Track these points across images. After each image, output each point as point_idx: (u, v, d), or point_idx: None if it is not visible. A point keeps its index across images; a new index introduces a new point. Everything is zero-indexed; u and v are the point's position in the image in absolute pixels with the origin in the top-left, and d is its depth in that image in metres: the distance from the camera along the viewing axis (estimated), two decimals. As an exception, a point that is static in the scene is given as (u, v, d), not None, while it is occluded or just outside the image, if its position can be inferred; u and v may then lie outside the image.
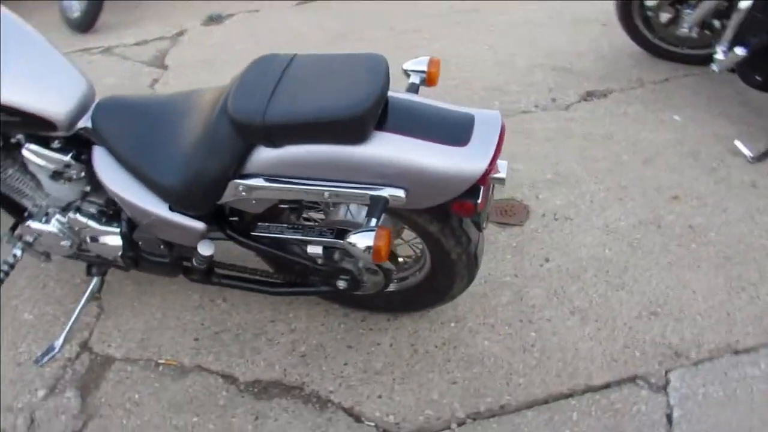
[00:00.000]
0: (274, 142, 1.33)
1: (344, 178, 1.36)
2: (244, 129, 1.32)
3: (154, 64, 3.26)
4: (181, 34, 3.54)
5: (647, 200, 2.22)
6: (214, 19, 3.66)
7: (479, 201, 1.36)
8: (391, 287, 1.77)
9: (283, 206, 1.61)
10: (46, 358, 1.79)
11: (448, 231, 1.51)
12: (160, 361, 1.84)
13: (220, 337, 1.88)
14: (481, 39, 3.21)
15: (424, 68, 1.60)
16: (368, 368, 1.77)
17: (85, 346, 1.89)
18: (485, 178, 1.33)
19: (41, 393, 1.78)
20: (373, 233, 1.27)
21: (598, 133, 2.54)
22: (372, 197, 1.35)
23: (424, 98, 1.43)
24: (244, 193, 1.42)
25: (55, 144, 1.60)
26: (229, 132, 1.34)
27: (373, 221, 1.30)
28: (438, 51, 2.74)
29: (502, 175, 1.45)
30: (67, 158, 1.58)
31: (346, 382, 1.74)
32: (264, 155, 1.37)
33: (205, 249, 1.59)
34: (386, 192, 1.34)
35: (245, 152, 1.37)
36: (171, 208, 1.53)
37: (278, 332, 1.88)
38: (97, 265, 1.85)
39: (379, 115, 1.31)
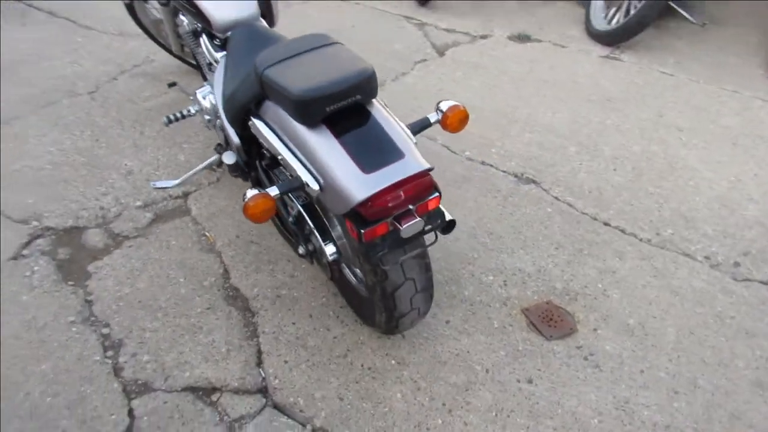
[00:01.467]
0: (266, 95, 1.57)
1: (293, 149, 1.53)
2: (255, 75, 1.57)
3: (438, 50, 3.62)
4: (483, 37, 3.82)
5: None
6: (520, 38, 3.81)
7: (364, 230, 1.38)
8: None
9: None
10: (158, 185, 2.40)
11: (364, 255, 1.53)
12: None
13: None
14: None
15: (443, 109, 1.60)
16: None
17: (186, 196, 2.46)
18: (377, 209, 1.34)
19: (137, 203, 2.41)
20: (254, 193, 1.43)
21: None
22: (294, 175, 1.49)
23: (390, 120, 1.47)
24: (251, 126, 1.70)
25: (216, 42, 2.11)
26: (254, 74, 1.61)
27: (274, 189, 1.45)
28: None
29: (417, 226, 1.41)
30: (215, 54, 2.07)
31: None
32: (265, 104, 1.61)
33: (228, 158, 1.93)
34: (306, 176, 1.46)
35: (260, 96, 1.63)
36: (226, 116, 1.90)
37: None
38: (220, 145, 2.36)
39: (331, 110, 1.42)
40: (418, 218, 1.41)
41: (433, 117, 1.63)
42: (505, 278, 2.17)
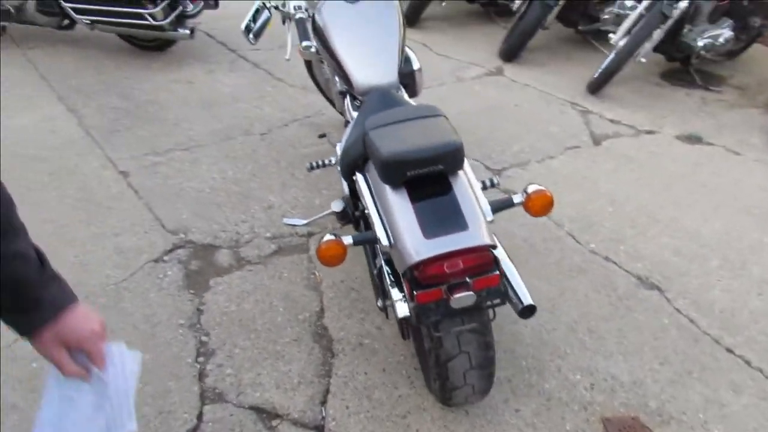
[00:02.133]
0: (368, 154, 1.71)
1: (378, 206, 1.64)
2: (362, 135, 1.73)
3: (595, 139, 3.56)
4: (649, 133, 3.67)
5: None
6: (690, 138, 3.60)
7: (417, 292, 1.44)
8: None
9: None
10: (289, 221, 2.66)
11: (417, 317, 1.57)
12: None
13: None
14: None
15: (528, 191, 1.60)
16: None
17: (309, 236, 2.69)
18: (430, 274, 1.40)
19: (267, 234, 2.68)
20: (330, 238, 1.55)
21: None
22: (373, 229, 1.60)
23: (468, 193, 1.52)
24: (355, 180, 1.85)
25: (356, 102, 2.33)
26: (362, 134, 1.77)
27: (349, 238, 1.57)
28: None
29: (468, 299, 1.43)
30: (352, 113, 2.29)
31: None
32: (368, 162, 1.76)
33: (335, 206, 2.09)
34: (380, 232, 1.57)
35: (365, 154, 1.77)
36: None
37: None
38: None
39: (412, 175, 1.52)
40: (471, 292, 1.43)
41: (517, 198, 1.64)
42: (594, 381, 2.03)
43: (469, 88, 4.17)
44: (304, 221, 2.60)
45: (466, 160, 1.82)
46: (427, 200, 1.52)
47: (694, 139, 3.60)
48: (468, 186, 1.57)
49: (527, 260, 2.56)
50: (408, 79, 2.45)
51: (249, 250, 2.60)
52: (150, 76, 4.12)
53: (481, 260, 1.43)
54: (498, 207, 1.62)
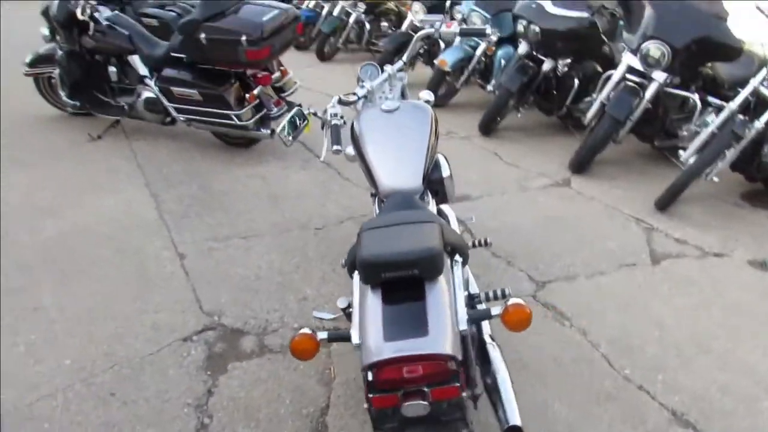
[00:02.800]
0: None
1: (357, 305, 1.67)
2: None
3: (654, 258, 3.39)
4: (717, 255, 3.44)
5: None
6: (764, 265, 3.33)
7: (372, 395, 1.42)
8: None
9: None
10: (318, 314, 2.72)
11: (372, 422, 1.54)
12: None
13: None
14: None
15: (507, 304, 1.57)
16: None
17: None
18: (384, 378, 1.39)
19: (295, 325, 2.75)
20: (304, 332, 1.59)
21: None
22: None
23: (441, 300, 1.52)
24: None
25: (383, 204, 2.42)
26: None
27: (323, 334, 1.61)
28: None
29: (418, 408, 1.39)
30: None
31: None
32: None
33: (340, 303, 2.12)
34: (354, 331, 1.59)
35: None
36: None
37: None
38: None
39: (387, 277, 1.55)
40: (422, 402, 1.39)
41: (495, 310, 1.60)
42: None
43: (532, 198, 4.15)
44: (332, 316, 2.64)
45: (461, 270, 1.82)
46: (399, 304, 1.53)
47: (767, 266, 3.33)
48: (444, 293, 1.56)
49: (551, 379, 2.42)
50: (437, 185, 2.52)
51: (273, 338, 2.66)
52: (230, 170, 4.48)
53: (438, 369, 1.40)
54: (476, 317, 1.59)
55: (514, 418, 1.71)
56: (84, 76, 4.98)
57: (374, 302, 1.54)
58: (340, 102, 2.51)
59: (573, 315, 2.84)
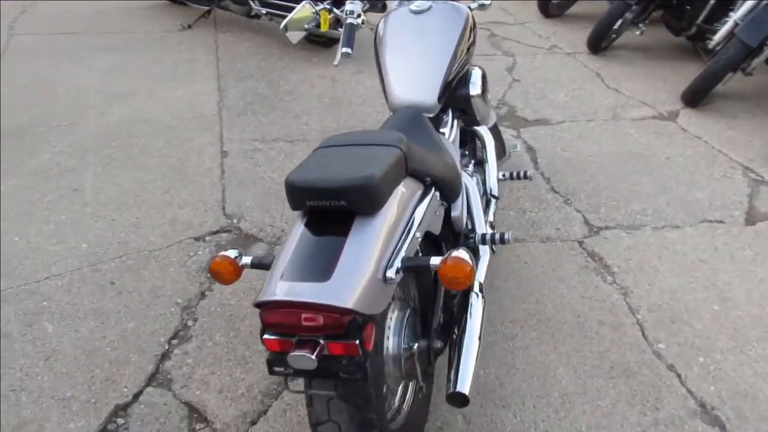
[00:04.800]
0: None
1: None
2: None
3: (750, 217, 2.83)
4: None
5: None
6: None
7: (263, 337, 1.26)
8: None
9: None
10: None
11: (267, 362, 1.35)
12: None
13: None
14: None
15: (446, 256, 1.29)
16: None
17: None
18: (270, 321, 1.22)
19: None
20: (225, 253, 1.44)
21: None
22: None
23: (367, 243, 1.28)
24: None
25: None
26: None
27: (248, 258, 1.44)
28: None
29: (303, 361, 1.20)
30: None
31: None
32: None
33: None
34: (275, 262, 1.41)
35: None
36: None
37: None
38: None
39: (311, 206, 1.33)
40: (308, 354, 1.19)
41: (434, 260, 1.33)
42: None
43: (623, 129, 3.61)
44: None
45: (432, 205, 1.56)
46: (317, 237, 1.32)
47: None
48: (378, 232, 1.31)
49: (565, 339, 2.12)
50: (463, 103, 2.18)
51: (283, 249, 2.56)
52: (303, 69, 4.31)
53: (332, 321, 1.19)
54: (411, 267, 1.34)
55: (464, 386, 1.48)
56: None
57: (295, 233, 1.34)
58: (363, -2, 2.20)
59: (619, 270, 2.46)
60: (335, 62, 2.21)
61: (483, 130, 2.43)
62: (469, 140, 2.47)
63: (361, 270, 1.24)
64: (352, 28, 2.12)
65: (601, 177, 3.08)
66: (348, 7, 2.14)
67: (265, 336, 1.25)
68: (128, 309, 2.23)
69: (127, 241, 2.56)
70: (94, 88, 3.95)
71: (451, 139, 2.06)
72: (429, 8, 2.17)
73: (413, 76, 2.04)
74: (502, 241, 1.87)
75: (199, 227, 2.67)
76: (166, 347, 2.09)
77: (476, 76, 2.21)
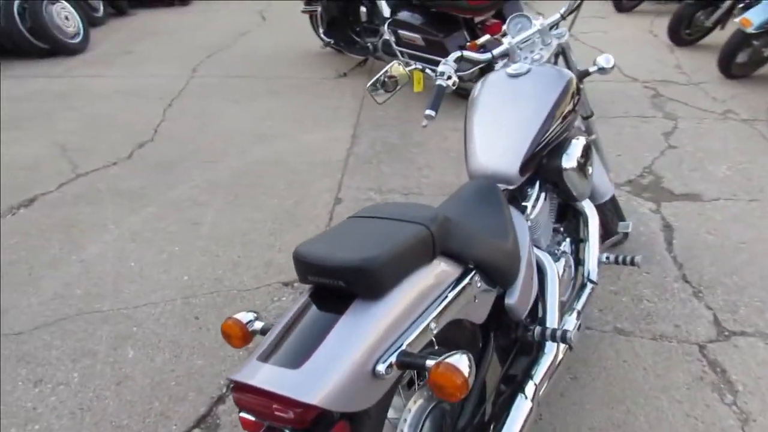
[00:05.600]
0: None
1: None
2: None
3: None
4: None
5: None
6: None
7: (239, 413, 1.20)
8: None
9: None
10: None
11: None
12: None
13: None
14: None
15: (441, 362, 1.12)
16: None
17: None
18: (241, 403, 1.15)
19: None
20: (233, 317, 1.41)
21: None
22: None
23: (352, 330, 1.17)
24: None
25: None
26: None
27: (258, 324, 1.41)
28: None
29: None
30: None
31: None
32: None
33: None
34: None
35: None
36: None
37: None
38: None
39: (313, 282, 1.25)
40: None
41: (428, 362, 1.15)
42: None
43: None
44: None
45: (470, 287, 1.40)
46: (312, 318, 1.22)
47: None
48: (376, 318, 1.19)
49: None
50: (554, 176, 1.96)
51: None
52: (440, 121, 4.28)
53: (296, 416, 1.08)
54: (406, 364, 1.18)
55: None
56: (340, 15, 5.25)
57: (292, 309, 1.27)
58: (462, 59, 2.10)
59: (744, 390, 2.01)
60: (423, 124, 2.12)
61: (587, 206, 2.18)
62: (571, 217, 2.23)
63: (341, 360, 1.12)
64: (441, 90, 2.02)
65: (749, 270, 2.60)
66: (440, 68, 2.05)
67: (241, 414, 1.18)
68: (202, 346, 2.30)
69: (223, 278, 2.67)
70: (244, 129, 4.28)
71: (533, 215, 1.86)
72: (527, 72, 2.01)
73: (496, 142, 1.88)
74: (564, 339, 1.63)
75: (291, 272, 2.70)
76: (224, 391, 2.11)
77: (574, 147, 1.98)
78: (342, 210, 3.20)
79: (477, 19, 4.22)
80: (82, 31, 6.42)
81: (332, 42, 5.38)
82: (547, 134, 1.88)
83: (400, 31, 4.43)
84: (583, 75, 2.28)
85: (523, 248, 1.69)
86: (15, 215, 3.23)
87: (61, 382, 2.14)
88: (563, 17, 2.17)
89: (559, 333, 1.63)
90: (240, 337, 1.36)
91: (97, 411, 2.02)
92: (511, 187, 1.84)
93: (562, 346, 1.73)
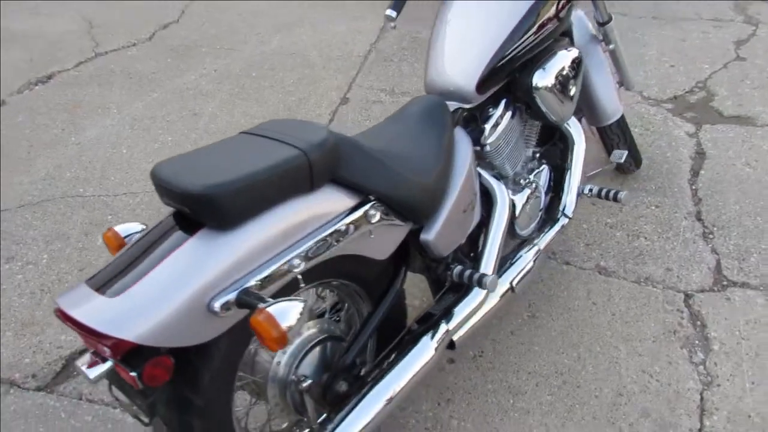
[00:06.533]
0: None
1: None
2: None
3: None
4: None
5: None
6: None
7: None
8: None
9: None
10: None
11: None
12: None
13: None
14: None
15: (264, 308, 1.02)
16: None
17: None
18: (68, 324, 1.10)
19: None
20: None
21: None
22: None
23: (182, 261, 1.07)
24: None
25: None
26: None
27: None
28: None
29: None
30: None
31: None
32: None
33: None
34: None
35: None
36: None
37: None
38: None
39: (167, 203, 1.14)
40: (90, 371, 1.05)
41: (263, 303, 1.04)
42: None
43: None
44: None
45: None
46: (155, 244, 1.12)
47: None
48: (218, 251, 1.08)
49: (581, 422, 1.65)
50: (525, 95, 1.70)
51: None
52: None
53: (112, 347, 1.02)
54: (243, 303, 1.08)
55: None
56: None
57: (149, 229, 1.18)
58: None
59: (719, 350, 1.80)
60: (391, 25, 1.86)
61: (573, 128, 1.91)
62: (558, 140, 1.98)
63: (166, 292, 1.04)
64: (406, -12, 1.75)
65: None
66: None
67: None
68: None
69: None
70: (270, 14, 4.08)
71: (491, 139, 1.63)
72: None
73: (455, 54, 1.63)
74: (480, 284, 1.47)
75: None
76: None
77: (553, 61, 1.69)
78: (346, 111, 3.03)
79: None
80: None
81: None
82: (516, 46, 1.60)
83: None
84: None
85: (457, 177, 1.51)
86: (31, 91, 3.28)
87: (30, 262, 2.21)
88: None
89: (476, 276, 1.47)
90: (117, 248, 1.30)
91: (56, 293, 2.09)
92: (466, 106, 1.61)
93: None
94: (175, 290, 1.03)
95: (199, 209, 1.07)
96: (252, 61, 3.51)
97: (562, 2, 1.67)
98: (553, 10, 1.65)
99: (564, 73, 1.70)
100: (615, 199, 1.90)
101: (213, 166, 1.12)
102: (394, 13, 1.73)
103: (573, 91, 1.75)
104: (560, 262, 2.14)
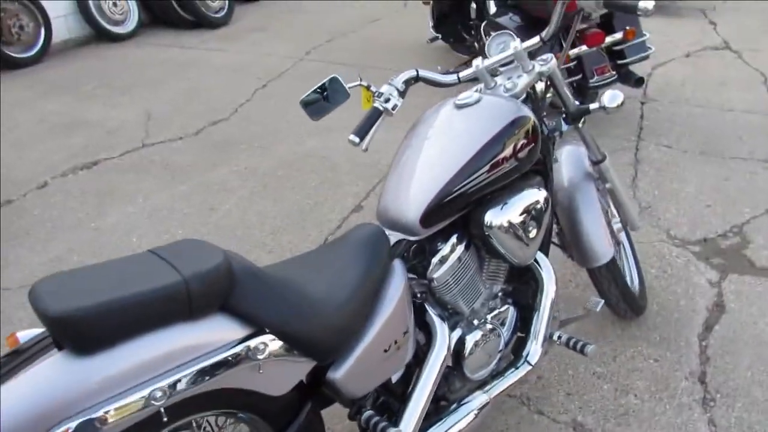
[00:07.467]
0: None
1: None
2: None
3: None
4: None
5: None
6: None
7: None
8: None
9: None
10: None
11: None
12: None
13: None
14: None
15: None
16: None
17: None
18: None
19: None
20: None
21: None
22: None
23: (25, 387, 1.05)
24: None
25: None
26: None
27: None
28: None
29: None
30: None
31: None
32: None
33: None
34: None
35: None
36: None
37: None
38: None
39: None
40: None
41: None
42: None
43: None
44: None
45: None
46: (19, 360, 1.11)
47: None
48: (68, 377, 1.05)
49: None
50: (478, 233, 1.62)
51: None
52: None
53: None
54: None
55: None
56: (451, 10, 4.99)
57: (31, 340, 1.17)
58: (419, 79, 1.81)
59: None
60: (363, 147, 1.84)
61: (544, 269, 1.80)
62: (531, 279, 1.86)
63: (8, 415, 1.01)
64: (375, 114, 1.75)
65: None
66: (383, 88, 1.77)
67: None
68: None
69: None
70: (298, 121, 4.24)
71: (437, 274, 1.56)
72: (477, 102, 1.68)
73: (407, 183, 1.59)
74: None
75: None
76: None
77: (513, 201, 1.62)
78: (356, 218, 3.03)
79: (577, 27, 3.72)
80: (226, 6, 6.83)
81: (440, 37, 5.12)
82: (466, 183, 1.55)
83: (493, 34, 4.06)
84: (581, 113, 1.88)
85: (380, 314, 1.43)
86: (75, 175, 3.52)
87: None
88: (544, 42, 1.78)
89: (381, 425, 1.35)
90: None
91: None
92: (411, 238, 1.55)
93: None
94: (15, 414, 1.00)
95: (55, 332, 1.05)
96: (282, 160, 3.62)
97: (521, 142, 1.61)
98: (509, 150, 1.59)
99: (523, 213, 1.62)
100: (582, 351, 1.74)
101: (86, 287, 1.10)
102: (357, 139, 1.72)
103: (534, 233, 1.65)
104: (532, 410, 1.95)
